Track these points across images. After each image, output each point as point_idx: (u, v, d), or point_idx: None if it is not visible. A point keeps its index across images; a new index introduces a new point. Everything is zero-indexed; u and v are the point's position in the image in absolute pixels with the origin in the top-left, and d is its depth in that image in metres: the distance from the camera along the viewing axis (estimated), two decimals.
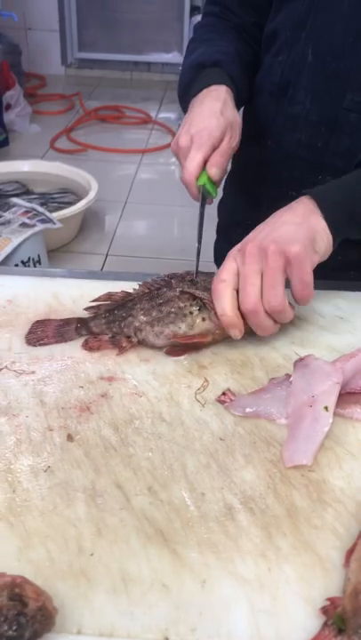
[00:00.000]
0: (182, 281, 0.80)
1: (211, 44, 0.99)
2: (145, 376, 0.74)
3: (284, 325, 0.83)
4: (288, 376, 0.72)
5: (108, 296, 0.83)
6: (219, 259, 1.18)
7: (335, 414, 0.67)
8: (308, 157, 0.96)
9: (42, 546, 0.54)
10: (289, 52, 0.93)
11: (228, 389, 0.71)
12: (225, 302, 0.73)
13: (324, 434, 0.65)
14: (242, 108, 1.05)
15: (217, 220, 1.24)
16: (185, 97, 0.95)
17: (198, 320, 0.76)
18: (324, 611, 0.49)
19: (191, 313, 0.77)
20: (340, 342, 0.80)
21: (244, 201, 1.13)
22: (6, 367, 0.74)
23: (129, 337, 0.78)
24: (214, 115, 0.85)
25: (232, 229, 1.12)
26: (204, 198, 0.86)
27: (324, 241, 0.74)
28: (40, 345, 0.78)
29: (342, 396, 0.69)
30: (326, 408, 0.66)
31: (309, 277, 0.72)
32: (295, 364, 0.72)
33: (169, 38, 4.93)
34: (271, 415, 0.68)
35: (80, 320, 0.80)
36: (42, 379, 0.73)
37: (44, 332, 0.79)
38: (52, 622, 0.46)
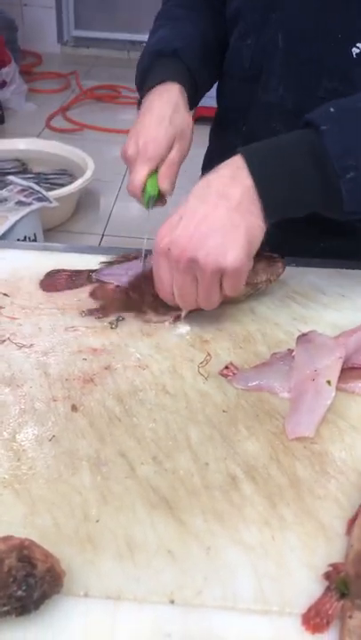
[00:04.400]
0: None
1: (174, 26, 0.94)
2: (148, 349, 0.74)
3: (287, 302, 0.84)
4: (290, 351, 0.73)
5: (124, 256, 0.87)
6: None
7: (337, 389, 0.67)
8: None
9: (47, 513, 0.55)
10: (258, 37, 0.89)
11: (231, 363, 0.72)
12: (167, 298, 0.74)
13: (326, 407, 0.65)
14: (215, 87, 1.03)
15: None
16: (141, 86, 0.90)
17: None
18: (327, 576, 0.50)
19: None
20: (343, 319, 0.80)
21: None
22: (9, 339, 0.74)
23: (135, 288, 0.80)
24: (162, 124, 0.81)
25: None
26: (147, 204, 0.84)
27: (258, 237, 0.69)
28: (54, 291, 0.82)
29: (344, 370, 0.69)
30: (329, 382, 0.67)
31: (243, 283, 0.71)
32: (298, 338, 0.73)
33: None
34: (274, 388, 0.69)
35: (92, 271, 0.85)
36: (45, 351, 0.73)
37: (58, 279, 0.83)
38: (60, 584, 0.46)
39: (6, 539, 0.47)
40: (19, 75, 3.76)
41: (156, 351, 0.74)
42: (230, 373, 0.70)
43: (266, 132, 0.92)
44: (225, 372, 0.70)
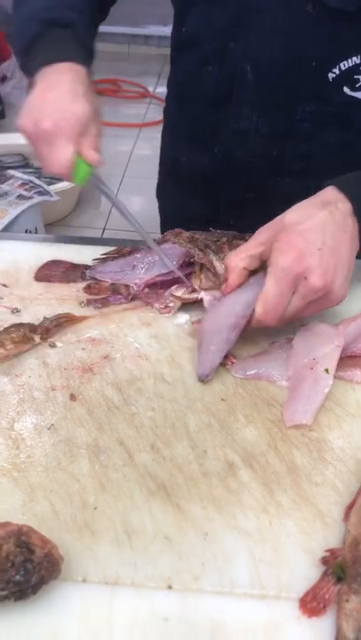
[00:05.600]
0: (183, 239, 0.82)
1: None
2: (147, 339, 0.74)
3: None
4: (289, 340, 0.73)
5: (118, 251, 0.86)
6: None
7: (335, 377, 0.67)
8: (264, 165, 0.91)
9: (46, 500, 0.55)
10: (220, 65, 0.86)
11: (230, 352, 0.72)
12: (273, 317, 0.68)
13: (324, 395, 0.65)
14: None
15: (156, 201, 1.17)
16: (27, 54, 0.80)
17: (203, 277, 0.78)
18: (324, 561, 0.50)
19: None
20: (341, 307, 0.79)
21: (195, 200, 1.05)
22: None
23: (127, 286, 0.80)
24: (80, 99, 0.73)
25: (183, 224, 0.98)
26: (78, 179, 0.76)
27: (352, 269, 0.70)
28: (46, 281, 0.82)
29: (343, 359, 0.69)
30: (327, 370, 0.67)
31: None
32: (299, 328, 0.73)
33: (166, 11, 4.81)
34: (272, 377, 0.69)
35: (87, 267, 0.85)
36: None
37: (53, 272, 0.84)
38: (58, 569, 0.46)
39: (4, 525, 0.47)
40: (19, 69, 3.75)
41: (155, 341, 0.74)
42: (229, 362, 0.70)
43: (242, 155, 0.91)
44: (224, 360, 0.70)
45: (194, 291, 0.78)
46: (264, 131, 0.88)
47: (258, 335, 0.76)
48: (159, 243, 0.82)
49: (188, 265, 0.80)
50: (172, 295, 0.79)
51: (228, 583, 0.49)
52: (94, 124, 0.75)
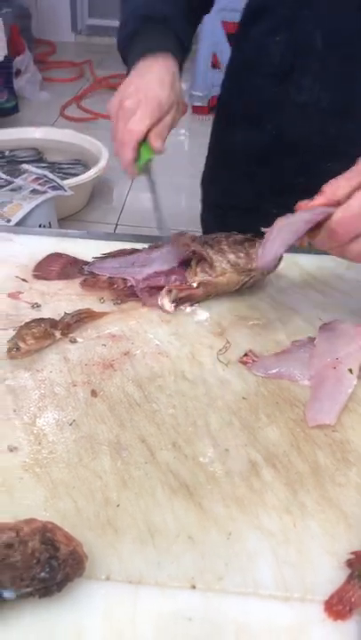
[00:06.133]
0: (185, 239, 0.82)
1: None
2: (167, 336, 0.74)
3: (306, 290, 0.83)
4: (311, 339, 0.72)
5: (120, 251, 0.85)
6: (207, 232, 1.14)
7: (359, 377, 0.67)
8: (318, 143, 0.91)
9: (68, 496, 0.55)
10: (290, 33, 0.86)
11: (251, 351, 0.71)
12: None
13: (347, 395, 0.65)
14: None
15: (200, 192, 1.16)
16: (126, 48, 0.86)
17: (198, 270, 0.78)
18: (349, 563, 0.50)
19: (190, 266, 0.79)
20: None
21: (240, 185, 1.05)
22: None
23: (125, 280, 0.80)
24: (166, 87, 0.78)
25: (227, 211, 1.04)
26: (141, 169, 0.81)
27: None
28: (43, 279, 0.82)
29: None
30: (351, 370, 0.66)
31: None
32: (320, 327, 0.72)
33: None
34: (294, 376, 0.68)
35: (86, 263, 0.84)
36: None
37: (51, 269, 0.83)
38: (82, 567, 0.46)
39: (29, 521, 0.47)
40: (33, 63, 3.76)
41: (175, 338, 0.74)
42: (250, 361, 0.70)
43: (297, 131, 0.90)
44: (244, 359, 0.70)
45: (189, 287, 0.78)
46: (324, 105, 0.88)
47: (279, 333, 0.75)
48: (159, 246, 0.83)
49: (188, 263, 0.80)
50: (168, 289, 0.77)
51: (252, 584, 0.49)
52: (171, 114, 0.79)
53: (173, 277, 0.79)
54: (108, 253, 0.86)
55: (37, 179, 2.21)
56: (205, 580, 0.49)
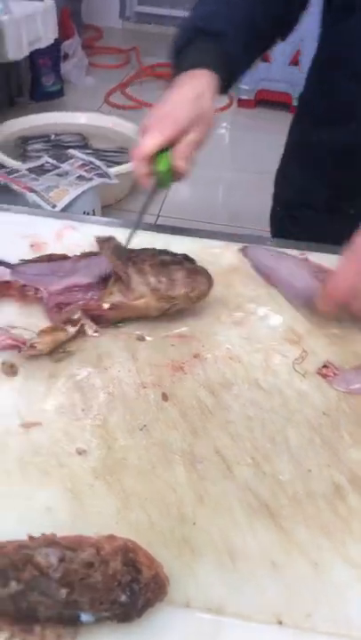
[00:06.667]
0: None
1: (226, 2, 0.84)
2: (238, 340, 0.70)
3: None
4: None
5: (49, 256, 0.76)
6: (277, 232, 1.10)
7: None
8: None
9: (141, 508, 0.51)
10: None
11: (330, 362, 0.67)
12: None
13: None
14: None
15: (273, 188, 1.12)
16: (176, 62, 0.83)
17: (115, 289, 0.69)
18: None
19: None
20: None
21: (317, 184, 1.00)
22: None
23: (38, 290, 0.71)
24: (184, 104, 0.74)
25: (301, 210, 1.00)
26: (159, 183, 0.75)
27: None
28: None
29: None
30: None
31: None
32: None
33: None
34: None
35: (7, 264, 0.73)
36: (131, 332, 0.69)
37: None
38: (164, 592, 0.43)
39: (110, 539, 0.43)
40: (81, 48, 3.72)
41: (247, 342, 0.70)
42: (330, 374, 0.65)
43: None
44: (324, 371, 0.66)
45: (98, 307, 0.69)
46: None
47: (358, 345, 0.70)
48: (90, 255, 0.75)
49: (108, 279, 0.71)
50: (77, 306, 0.68)
51: (345, 624, 0.45)
52: (195, 132, 0.74)
53: (90, 294, 0.70)
54: (37, 258, 0.75)
55: (84, 165, 2.18)
56: (293, 616, 0.45)
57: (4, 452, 0.55)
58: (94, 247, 0.80)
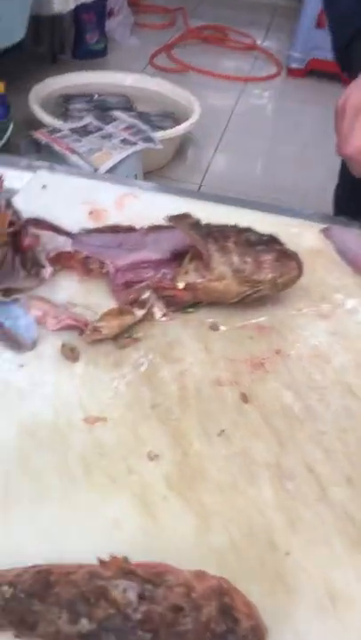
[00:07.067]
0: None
1: None
2: (325, 336, 0.61)
3: None
4: None
5: (113, 227, 0.68)
6: (339, 210, 1.01)
7: None
8: None
9: (224, 531, 0.44)
10: None
11: None
12: None
13: None
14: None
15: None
16: (344, 54, 0.81)
17: (191, 268, 0.62)
18: None
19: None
20: None
21: None
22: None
23: (103, 264, 0.64)
24: None
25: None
26: None
27: None
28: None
29: None
30: None
31: None
32: None
33: None
34: None
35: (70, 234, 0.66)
36: (203, 319, 0.61)
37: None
38: None
39: (201, 577, 0.36)
40: (127, 5, 3.57)
41: (336, 339, 0.61)
42: None
43: None
44: None
45: (173, 287, 0.62)
46: None
47: None
48: (160, 228, 0.66)
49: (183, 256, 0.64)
50: (147, 286, 0.61)
51: None
52: None
53: (162, 271, 0.63)
54: (100, 228, 0.68)
55: (128, 128, 2.08)
56: None
57: (66, 450, 0.48)
58: (159, 220, 0.72)
